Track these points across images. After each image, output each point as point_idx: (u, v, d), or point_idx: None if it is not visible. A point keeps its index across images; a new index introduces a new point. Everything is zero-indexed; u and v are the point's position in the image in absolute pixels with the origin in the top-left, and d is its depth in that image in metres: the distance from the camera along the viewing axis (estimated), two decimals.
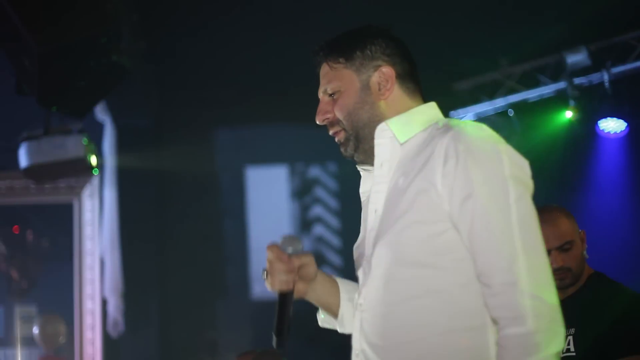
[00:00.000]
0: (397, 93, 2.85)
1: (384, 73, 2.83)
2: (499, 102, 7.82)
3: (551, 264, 4.00)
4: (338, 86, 2.86)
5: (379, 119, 2.82)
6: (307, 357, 8.02)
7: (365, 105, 2.84)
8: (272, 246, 2.88)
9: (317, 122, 2.91)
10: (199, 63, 8.29)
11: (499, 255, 2.53)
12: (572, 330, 4.06)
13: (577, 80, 7.42)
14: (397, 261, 2.67)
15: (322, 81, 2.91)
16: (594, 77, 7.39)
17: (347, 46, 2.87)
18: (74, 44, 6.17)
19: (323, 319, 3.16)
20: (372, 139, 2.83)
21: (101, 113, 8.27)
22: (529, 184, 2.64)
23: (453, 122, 2.74)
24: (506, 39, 7.52)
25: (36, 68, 6.15)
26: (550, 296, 2.51)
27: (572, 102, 7.47)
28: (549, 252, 4.01)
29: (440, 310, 2.62)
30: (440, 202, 2.61)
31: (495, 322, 2.56)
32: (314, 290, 3.00)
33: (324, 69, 2.91)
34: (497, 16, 7.41)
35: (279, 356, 5.11)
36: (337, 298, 3.03)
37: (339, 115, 2.85)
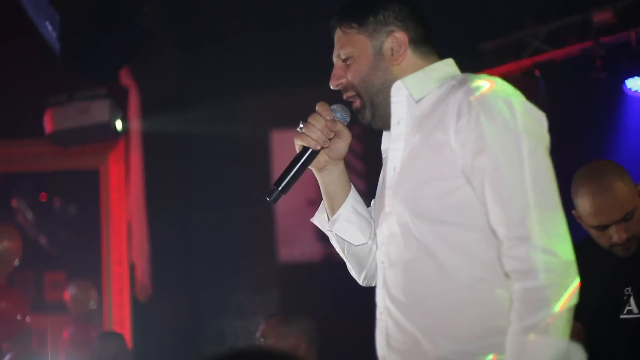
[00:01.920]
0: (410, 58, 2.86)
1: (396, 38, 2.85)
2: (525, 62, 7.75)
3: (612, 238, 3.82)
4: (351, 51, 2.88)
5: (392, 83, 2.84)
6: (336, 313, 8.04)
7: (378, 70, 2.85)
8: (324, 103, 2.93)
9: (331, 87, 2.93)
10: (224, 26, 8.26)
11: (511, 209, 2.53)
12: (629, 290, 3.87)
13: (604, 40, 7.34)
14: (415, 218, 2.69)
15: (336, 46, 2.94)
16: (621, 36, 7.31)
17: (361, 11, 2.88)
18: (98, 8, 6.16)
19: (315, 217, 3.19)
20: (387, 104, 2.84)
21: (126, 77, 8.26)
22: (544, 137, 2.63)
23: (467, 76, 2.75)
24: None
25: (60, 33, 6.14)
26: (564, 250, 2.50)
27: (598, 62, 7.40)
28: (607, 226, 3.82)
29: (459, 265, 2.64)
30: (454, 157, 2.62)
31: (508, 275, 2.56)
32: (330, 173, 3.03)
33: (338, 34, 2.94)
34: None
35: (306, 317, 5.12)
36: (344, 196, 3.05)
37: (353, 80, 2.87)
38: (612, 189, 3.80)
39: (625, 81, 7.41)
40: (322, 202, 3.12)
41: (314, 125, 2.90)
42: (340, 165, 3.04)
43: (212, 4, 8.11)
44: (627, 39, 7.27)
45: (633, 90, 7.42)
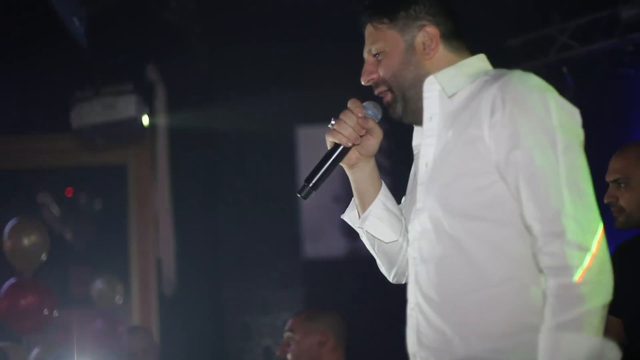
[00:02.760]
0: (442, 52, 2.85)
1: (428, 33, 2.83)
2: (552, 59, 7.72)
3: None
4: (382, 47, 2.86)
5: (424, 78, 2.83)
6: (362, 309, 8.05)
7: (410, 65, 2.84)
8: (355, 99, 2.92)
9: (363, 83, 2.93)
10: (250, 21, 8.26)
11: (545, 206, 2.52)
12: None
13: (632, 35, 7.30)
14: (447, 214, 2.68)
15: (367, 42, 2.92)
16: None
17: (391, 6, 2.87)
18: (124, 4, 6.18)
19: (345, 214, 3.17)
20: (419, 99, 2.83)
21: (152, 73, 8.28)
22: (578, 133, 2.62)
23: (501, 71, 2.74)
24: None
25: (87, 28, 6.17)
26: (599, 247, 2.49)
27: (626, 58, 7.36)
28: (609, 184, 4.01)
29: (492, 262, 2.63)
30: (488, 153, 2.61)
31: (542, 272, 2.55)
32: (361, 170, 3.03)
33: (369, 30, 2.92)
34: None
35: (333, 313, 5.12)
36: (375, 193, 3.04)
37: (385, 75, 2.86)
38: (619, 152, 4.06)
39: None
40: (352, 199, 3.11)
41: (345, 122, 2.89)
42: (372, 162, 3.03)
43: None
44: None
45: None
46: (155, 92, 8.44)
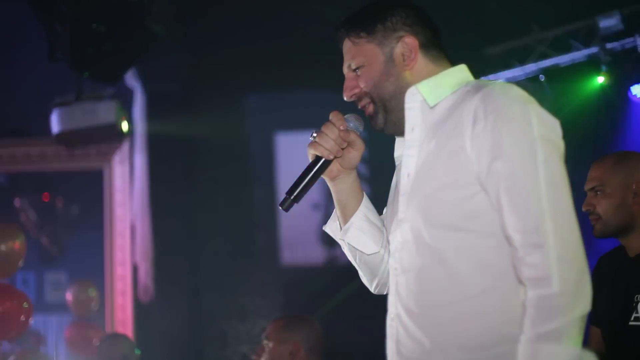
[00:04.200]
0: (421, 62, 2.84)
1: (406, 43, 2.83)
2: (531, 68, 7.76)
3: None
4: (362, 61, 2.85)
5: (405, 89, 2.82)
6: (340, 318, 8.05)
7: (390, 77, 2.83)
8: (337, 112, 2.92)
9: (345, 99, 2.92)
10: (229, 28, 8.26)
11: (526, 217, 2.52)
12: (638, 297, 3.89)
13: (610, 45, 7.34)
14: (429, 225, 2.67)
15: (346, 57, 2.91)
16: (627, 42, 7.31)
17: (368, 20, 2.86)
18: (105, 10, 6.17)
19: (327, 225, 3.16)
20: (401, 110, 2.82)
21: (132, 79, 8.27)
22: (559, 144, 2.62)
23: (482, 82, 2.74)
24: (538, 4, 7.46)
25: (68, 33, 6.15)
26: (578, 258, 2.49)
27: (604, 67, 7.41)
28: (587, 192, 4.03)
29: (472, 273, 2.62)
30: (469, 164, 2.61)
31: (522, 283, 2.55)
32: (343, 182, 3.02)
33: (347, 45, 2.91)
34: None
35: (310, 323, 5.13)
36: (357, 204, 3.03)
37: (366, 87, 2.85)
38: (597, 162, 4.05)
39: (631, 87, 7.40)
40: (334, 211, 3.11)
41: (327, 135, 2.88)
42: (353, 174, 3.03)
43: (218, 6, 8.11)
44: (633, 44, 7.27)
45: (638, 96, 7.42)
46: (135, 98, 8.44)
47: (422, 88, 2.79)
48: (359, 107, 2.90)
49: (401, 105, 2.82)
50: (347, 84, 2.89)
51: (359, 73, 2.86)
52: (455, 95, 2.76)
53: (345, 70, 2.91)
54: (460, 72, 2.87)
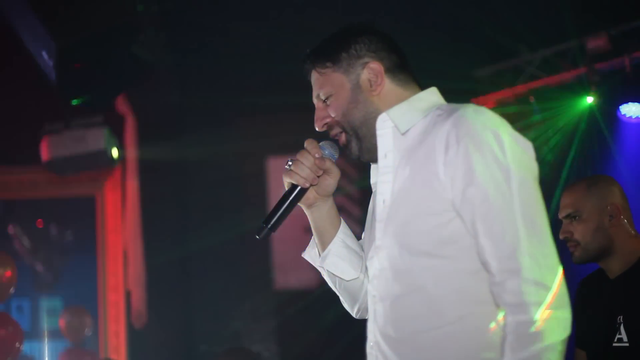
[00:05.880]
0: (389, 86, 2.86)
1: (372, 69, 2.85)
2: (520, 89, 7.78)
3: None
4: (329, 91, 2.88)
5: (374, 115, 2.84)
6: (333, 342, 8.03)
7: (358, 104, 2.85)
8: (312, 140, 2.93)
9: (317, 129, 2.94)
10: (219, 53, 8.28)
11: (501, 243, 2.52)
12: (621, 318, 3.91)
13: (598, 66, 7.36)
14: (405, 252, 2.68)
15: (314, 88, 2.94)
16: (615, 62, 7.33)
17: (332, 50, 2.90)
18: (93, 37, 6.18)
19: (305, 252, 3.18)
20: (373, 136, 2.84)
21: (122, 105, 8.28)
22: (533, 167, 2.63)
23: (453, 106, 2.74)
24: (526, 25, 7.48)
25: (56, 61, 6.16)
26: (555, 282, 2.49)
27: (593, 88, 7.42)
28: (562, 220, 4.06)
29: (449, 299, 2.62)
30: (443, 191, 2.61)
31: (500, 308, 2.56)
32: (319, 209, 3.03)
33: (314, 76, 2.94)
34: (517, 2, 7.36)
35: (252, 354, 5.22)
36: (334, 231, 3.05)
37: (336, 116, 2.87)
38: (569, 189, 4.10)
39: (620, 107, 7.41)
40: (312, 237, 3.12)
41: (302, 163, 2.90)
42: (329, 201, 3.04)
43: (207, 31, 8.14)
44: (622, 65, 7.29)
45: (627, 116, 7.43)
46: (125, 124, 8.44)
47: (392, 114, 2.80)
48: (331, 136, 2.91)
49: (373, 131, 2.82)
50: (318, 114, 2.92)
51: (328, 103, 2.88)
52: (426, 119, 2.77)
53: (314, 101, 2.94)
54: (431, 95, 2.88)
